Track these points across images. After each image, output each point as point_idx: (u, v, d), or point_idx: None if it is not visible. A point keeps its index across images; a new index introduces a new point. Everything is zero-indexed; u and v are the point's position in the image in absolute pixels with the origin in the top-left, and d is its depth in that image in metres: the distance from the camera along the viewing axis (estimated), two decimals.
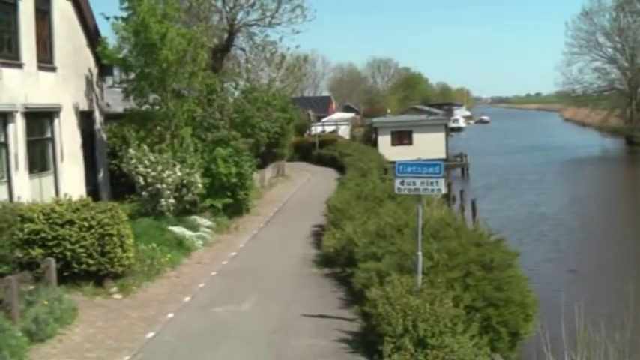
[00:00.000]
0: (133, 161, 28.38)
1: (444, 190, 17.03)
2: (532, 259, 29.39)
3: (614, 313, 15.17)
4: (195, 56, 31.13)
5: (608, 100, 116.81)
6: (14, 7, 23.69)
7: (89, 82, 29.94)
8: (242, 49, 43.50)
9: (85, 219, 18.85)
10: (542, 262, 31.44)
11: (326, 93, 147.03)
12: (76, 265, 18.53)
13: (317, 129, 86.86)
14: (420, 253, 16.22)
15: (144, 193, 28.43)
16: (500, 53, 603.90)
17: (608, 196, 58.88)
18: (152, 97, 31.36)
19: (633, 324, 13.57)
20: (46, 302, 15.66)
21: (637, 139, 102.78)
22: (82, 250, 18.52)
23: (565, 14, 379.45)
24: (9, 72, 23.14)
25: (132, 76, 31.48)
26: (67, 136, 27.10)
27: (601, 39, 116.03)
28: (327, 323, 16.88)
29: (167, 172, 28.37)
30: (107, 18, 30.22)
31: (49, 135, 26.21)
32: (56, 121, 26.36)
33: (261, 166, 46.92)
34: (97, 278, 19.13)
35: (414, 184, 16.31)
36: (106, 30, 31.19)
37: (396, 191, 16.99)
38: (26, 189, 23.33)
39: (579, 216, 45.68)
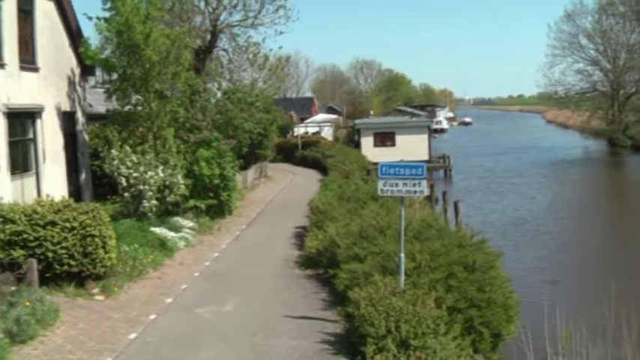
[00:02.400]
0: (116, 162, 28.29)
1: (426, 192, 17.07)
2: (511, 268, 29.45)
3: (595, 315, 15.23)
4: (179, 57, 31.08)
5: (591, 101, 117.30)
6: None
7: (71, 82, 29.84)
8: (225, 50, 43.44)
9: (67, 220, 18.76)
10: (522, 270, 31.46)
11: (309, 94, 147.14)
12: (57, 267, 18.44)
13: (300, 130, 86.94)
14: (402, 255, 16.26)
15: (126, 194, 28.34)
16: (483, 55, 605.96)
17: (590, 199, 58.99)
18: (135, 97, 31.28)
19: (615, 326, 13.62)
20: (27, 303, 15.58)
21: (619, 141, 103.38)
22: (63, 251, 18.43)
23: (548, 16, 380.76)
24: None
25: (114, 76, 31.39)
26: (49, 136, 27.00)
27: (583, 41, 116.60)
28: (310, 324, 16.88)
29: (149, 173, 28.31)
30: (90, 18, 30.11)
31: (30, 136, 26.11)
32: (38, 121, 26.26)
33: (244, 167, 46.86)
34: (79, 279, 19.03)
35: (397, 185, 16.35)
36: (88, 30, 31.14)
37: (379, 192, 17.02)
38: (8, 190, 23.21)
39: (560, 221, 45.65)
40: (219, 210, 33.97)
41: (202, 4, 41.78)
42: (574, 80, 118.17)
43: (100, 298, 19.05)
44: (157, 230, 26.60)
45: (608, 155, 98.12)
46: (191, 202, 31.92)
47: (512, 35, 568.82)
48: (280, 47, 50.02)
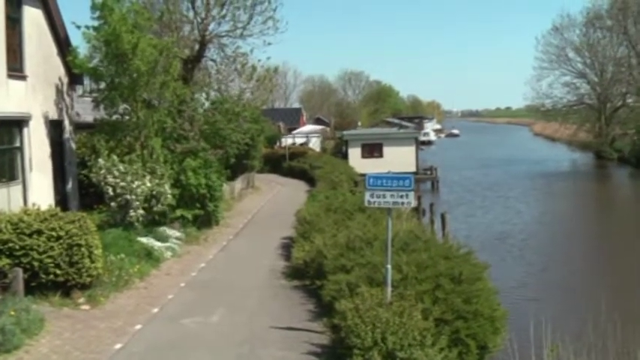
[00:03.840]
0: (103, 171, 28.23)
1: (413, 203, 17.12)
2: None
3: (580, 329, 15.27)
4: (168, 66, 31.06)
5: (578, 114, 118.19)
6: None
7: (59, 91, 29.77)
8: (213, 60, 43.39)
9: (53, 229, 18.70)
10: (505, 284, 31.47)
11: (297, 105, 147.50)
12: (43, 276, 18.37)
13: (288, 141, 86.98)
14: (389, 266, 16.26)
15: (113, 203, 28.28)
16: (471, 67, 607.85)
17: (577, 214, 58.89)
18: (122, 107, 31.23)
19: (601, 340, 13.65)
20: (12, 313, 15.52)
21: (606, 154, 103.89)
22: (49, 260, 18.36)
23: (536, 29, 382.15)
24: None
25: (102, 85, 31.34)
26: (36, 145, 26.90)
27: (571, 54, 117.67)
28: (296, 335, 16.86)
29: (136, 183, 28.26)
30: (78, 27, 30.00)
31: (17, 144, 26.00)
32: (25, 130, 26.16)
33: (231, 178, 46.85)
34: (65, 289, 18.96)
35: (384, 196, 16.35)
36: (77, 39, 31.04)
37: (366, 204, 17.01)
38: None
39: (545, 236, 45.73)
40: (206, 220, 33.94)
41: (191, 14, 41.77)
42: (561, 93, 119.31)
43: (86, 307, 18.98)
44: (144, 240, 26.54)
45: (595, 168, 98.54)
46: (178, 212, 31.87)
47: (500, 48, 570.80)
48: (268, 58, 50.06)
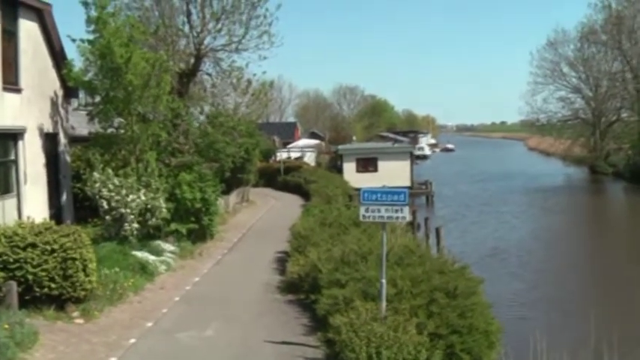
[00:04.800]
0: (97, 185, 28.22)
1: (408, 218, 17.11)
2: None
3: (575, 345, 15.26)
4: (160, 80, 31.07)
5: (573, 129, 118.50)
6: None
7: (54, 104, 29.79)
8: (208, 74, 43.49)
9: (48, 242, 18.65)
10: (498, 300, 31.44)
11: (292, 119, 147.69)
12: (37, 289, 18.31)
13: (282, 155, 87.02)
14: (384, 281, 16.25)
15: (107, 217, 28.26)
16: (466, 82, 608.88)
17: (571, 230, 58.54)
18: (117, 120, 31.26)
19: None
20: (6, 326, 15.46)
21: (601, 169, 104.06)
22: (43, 273, 18.30)
23: (531, 44, 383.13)
24: None
25: (97, 99, 31.37)
26: (31, 158, 26.88)
27: (565, 69, 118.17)
28: (291, 350, 16.82)
29: (131, 197, 28.26)
30: (73, 40, 30.07)
31: (12, 157, 25.99)
32: (20, 143, 26.15)
33: (226, 192, 46.82)
34: (59, 302, 18.91)
35: (379, 211, 16.37)
36: (72, 52, 31.01)
37: (361, 218, 17.02)
38: None
39: (540, 252, 45.61)
40: (200, 234, 33.88)
41: (187, 28, 41.89)
42: (556, 108, 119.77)
43: (80, 321, 18.92)
44: (138, 254, 26.49)
45: (589, 183, 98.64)
46: (172, 226, 31.81)
47: (495, 62, 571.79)
48: (264, 72, 50.17)
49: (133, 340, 17.66)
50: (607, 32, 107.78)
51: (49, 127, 29.06)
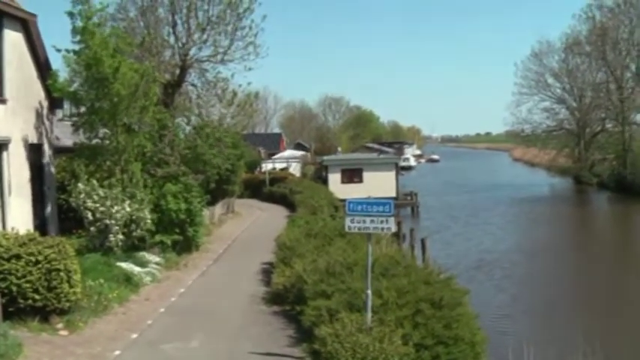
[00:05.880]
0: (82, 196, 28.14)
1: (393, 229, 17.13)
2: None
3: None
4: (148, 90, 31.04)
5: (557, 139, 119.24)
6: None
7: (39, 114, 29.68)
8: (194, 85, 43.51)
9: (32, 253, 18.56)
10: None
11: (277, 130, 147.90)
12: (21, 301, 18.22)
13: (268, 166, 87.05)
14: (369, 292, 16.25)
15: (92, 228, 28.18)
16: (451, 93, 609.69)
17: (555, 241, 58.63)
18: (102, 131, 31.16)
19: None
20: None
21: (585, 179, 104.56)
22: (28, 285, 18.22)
23: (515, 55, 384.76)
24: None
25: (82, 109, 31.28)
26: (15, 169, 26.77)
27: (550, 80, 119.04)
28: None
29: (116, 208, 28.19)
30: (58, 50, 30.01)
31: None
32: (4, 153, 26.04)
33: (212, 203, 46.75)
34: (43, 314, 18.81)
35: (364, 222, 16.36)
36: (57, 62, 30.94)
37: (346, 229, 17.02)
38: None
39: (523, 263, 45.71)
40: (185, 245, 33.80)
41: (172, 39, 41.90)
42: (541, 118, 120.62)
43: (65, 333, 18.83)
44: (123, 265, 26.41)
45: (574, 193, 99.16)
46: (157, 238, 31.73)
47: (480, 73, 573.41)
48: (249, 83, 50.17)
49: (117, 352, 17.58)
50: (591, 43, 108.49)
51: (33, 138, 28.95)
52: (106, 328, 20.04)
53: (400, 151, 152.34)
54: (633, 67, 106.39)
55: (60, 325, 19.02)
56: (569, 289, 37.60)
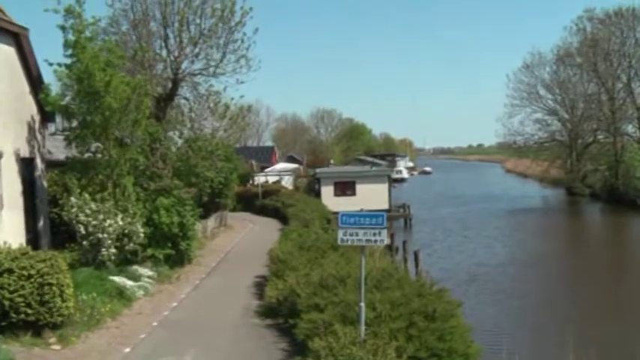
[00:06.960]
0: (74, 210, 28.08)
1: (386, 241, 17.10)
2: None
3: None
4: (139, 104, 31.01)
5: (549, 151, 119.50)
6: None
7: (31, 128, 29.61)
8: (186, 99, 43.47)
9: (24, 268, 18.52)
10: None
11: (270, 143, 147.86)
12: (14, 315, 18.17)
13: (260, 179, 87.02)
14: (362, 304, 16.23)
15: (85, 242, 28.10)
16: (443, 105, 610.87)
17: (548, 252, 58.40)
18: (94, 145, 31.09)
19: None
20: None
21: (577, 190, 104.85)
22: (20, 299, 18.17)
23: (507, 67, 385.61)
24: None
25: (74, 123, 31.21)
26: (7, 183, 26.68)
27: (542, 91, 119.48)
28: None
29: (108, 221, 28.11)
30: (50, 64, 29.94)
31: None
32: None
33: (204, 216, 46.70)
34: (36, 328, 18.75)
35: (357, 234, 16.36)
36: (49, 76, 30.89)
37: (339, 242, 17.01)
38: None
39: (516, 277, 45.64)
40: (178, 259, 33.75)
41: (164, 53, 41.87)
42: (533, 130, 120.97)
43: (57, 347, 18.77)
44: (116, 279, 26.35)
45: (567, 204, 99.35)
46: (150, 251, 31.67)
47: (471, 86, 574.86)
48: (242, 96, 50.13)
49: None
50: (582, 55, 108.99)
51: (25, 152, 28.88)
52: (99, 343, 19.98)
53: (393, 164, 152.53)
54: (624, 78, 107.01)
55: (52, 340, 18.96)
56: (563, 301, 37.61)
